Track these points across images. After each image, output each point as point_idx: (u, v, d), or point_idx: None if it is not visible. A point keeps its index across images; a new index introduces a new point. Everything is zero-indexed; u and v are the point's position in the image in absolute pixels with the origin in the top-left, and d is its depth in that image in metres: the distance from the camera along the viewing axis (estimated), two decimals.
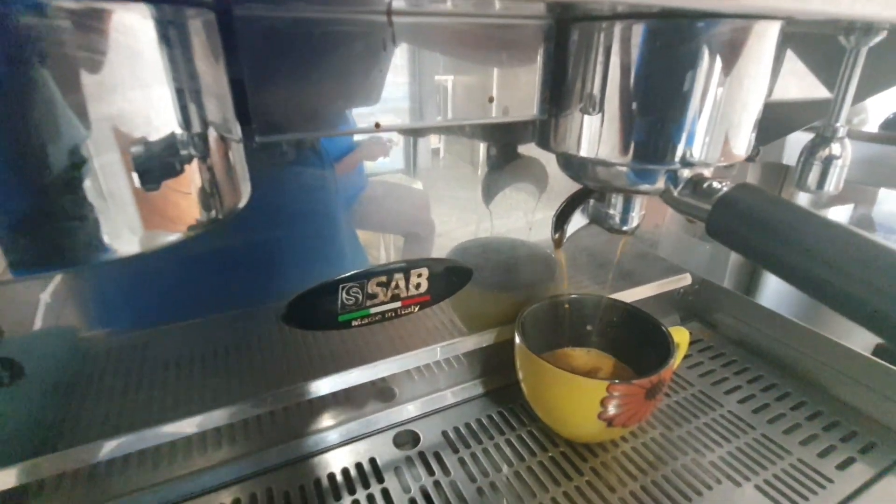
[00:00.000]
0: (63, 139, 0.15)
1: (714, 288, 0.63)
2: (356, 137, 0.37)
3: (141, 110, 0.17)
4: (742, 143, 0.29)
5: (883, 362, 0.48)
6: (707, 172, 0.30)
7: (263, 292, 0.37)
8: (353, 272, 0.39)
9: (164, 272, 0.34)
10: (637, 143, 0.29)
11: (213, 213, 0.20)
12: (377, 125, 0.26)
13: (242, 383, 0.40)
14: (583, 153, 0.31)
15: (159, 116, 0.17)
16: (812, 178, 0.40)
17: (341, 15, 0.24)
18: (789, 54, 0.45)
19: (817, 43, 0.43)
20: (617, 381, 0.37)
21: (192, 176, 0.19)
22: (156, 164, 0.17)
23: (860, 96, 0.45)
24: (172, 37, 0.17)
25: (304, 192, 0.36)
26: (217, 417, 0.40)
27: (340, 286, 0.39)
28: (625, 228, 0.36)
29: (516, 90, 0.29)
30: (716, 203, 0.27)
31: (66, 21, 0.14)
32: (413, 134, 0.39)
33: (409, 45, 0.26)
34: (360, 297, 0.40)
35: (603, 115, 0.29)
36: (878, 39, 0.36)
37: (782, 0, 0.23)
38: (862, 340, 0.54)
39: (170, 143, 0.18)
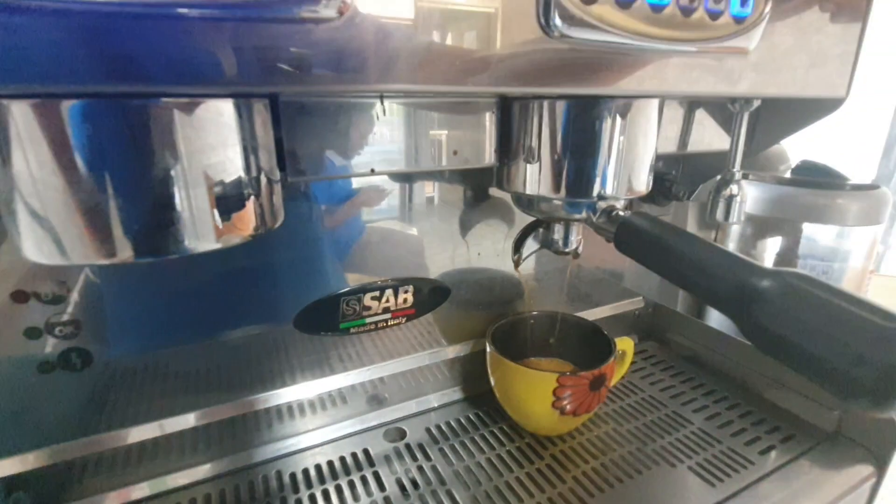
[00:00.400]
0: (172, 177, 0.25)
1: (666, 311, 0.72)
2: (354, 185, 0.47)
3: (222, 159, 0.27)
4: (641, 182, 0.40)
5: None
6: (618, 204, 0.40)
7: (260, 321, 0.46)
8: (351, 287, 0.48)
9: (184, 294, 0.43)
10: (566, 184, 0.39)
11: (260, 228, 0.30)
12: (372, 170, 0.37)
13: (252, 382, 0.48)
14: (528, 191, 0.41)
15: (233, 163, 0.27)
16: (719, 212, 0.51)
17: (348, 98, 0.34)
18: (705, 116, 0.57)
19: (721, 108, 0.55)
20: (567, 372, 0.46)
21: (249, 202, 0.29)
22: (228, 193, 0.27)
23: (760, 148, 0.57)
24: (244, 114, 0.28)
25: (293, 237, 0.45)
26: (222, 412, 0.47)
27: (342, 298, 0.48)
28: (566, 250, 0.46)
29: (474, 145, 0.40)
30: (618, 226, 0.37)
31: (178, 106, 0.25)
32: (405, 181, 0.49)
33: (397, 114, 0.37)
34: (358, 307, 0.49)
35: (540, 163, 0.40)
36: (755, 106, 0.47)
37: (647, 84, 0.34)
38: None
39: (237, 180, 0.28)
